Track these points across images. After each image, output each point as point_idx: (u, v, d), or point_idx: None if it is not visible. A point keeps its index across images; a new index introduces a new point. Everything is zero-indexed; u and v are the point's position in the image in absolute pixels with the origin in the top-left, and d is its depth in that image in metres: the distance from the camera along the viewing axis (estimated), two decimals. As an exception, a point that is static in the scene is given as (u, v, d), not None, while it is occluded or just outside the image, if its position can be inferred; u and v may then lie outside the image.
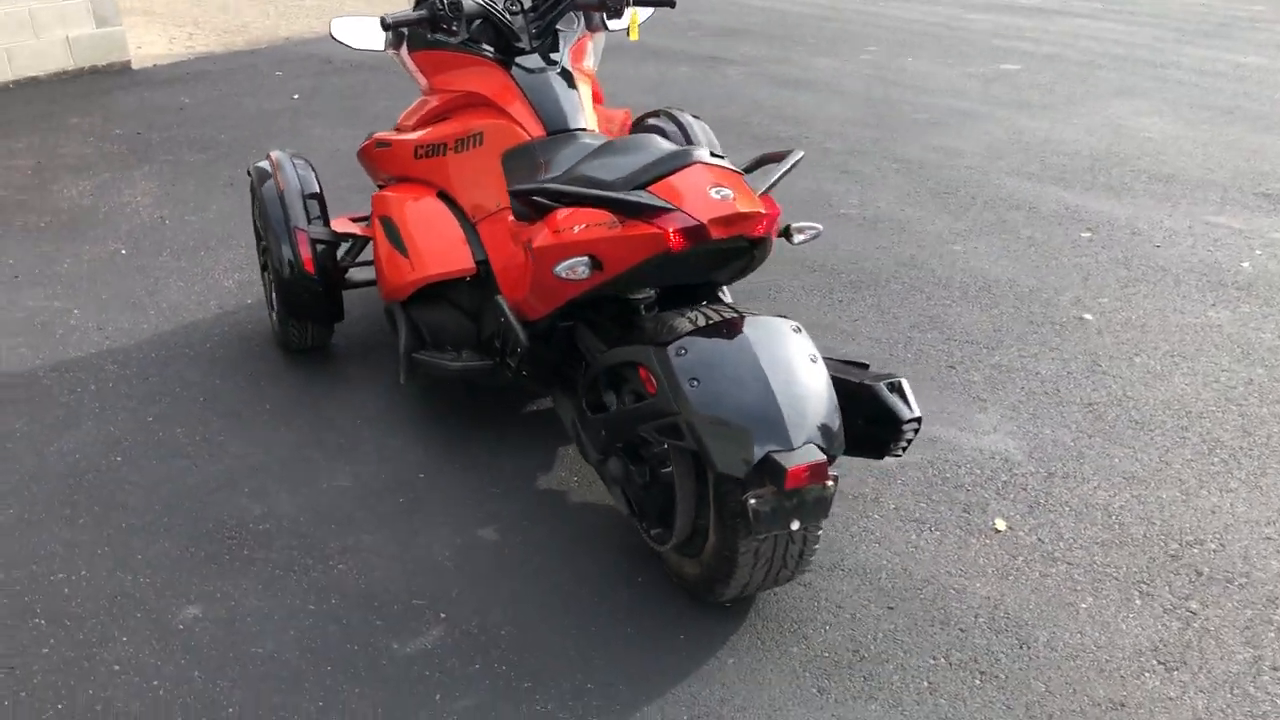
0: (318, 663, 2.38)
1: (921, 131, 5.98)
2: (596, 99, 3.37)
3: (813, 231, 2.68)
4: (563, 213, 2.54)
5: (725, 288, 3.24)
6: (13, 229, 4.72)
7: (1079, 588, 2.58)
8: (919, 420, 2.45)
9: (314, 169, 3.52)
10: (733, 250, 2.44)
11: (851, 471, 3.00)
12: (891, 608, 2.52)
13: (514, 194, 2.54)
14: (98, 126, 6.15)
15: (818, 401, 2.23)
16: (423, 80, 3.37)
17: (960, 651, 2.39)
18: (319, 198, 3.46)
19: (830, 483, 2.20)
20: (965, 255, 4.40)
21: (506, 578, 2.63)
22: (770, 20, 8.96)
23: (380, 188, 3.57)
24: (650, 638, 2.44)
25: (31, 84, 7.02)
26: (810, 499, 2.21)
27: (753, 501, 2.17)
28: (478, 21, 3.14)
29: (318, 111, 6.43)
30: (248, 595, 2.58)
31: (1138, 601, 2.53)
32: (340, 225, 3.59)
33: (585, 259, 2.43)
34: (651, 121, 3.99)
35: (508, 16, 3.13)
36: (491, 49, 3.16)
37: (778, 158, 2.80)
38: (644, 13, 3.59)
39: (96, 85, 7.04)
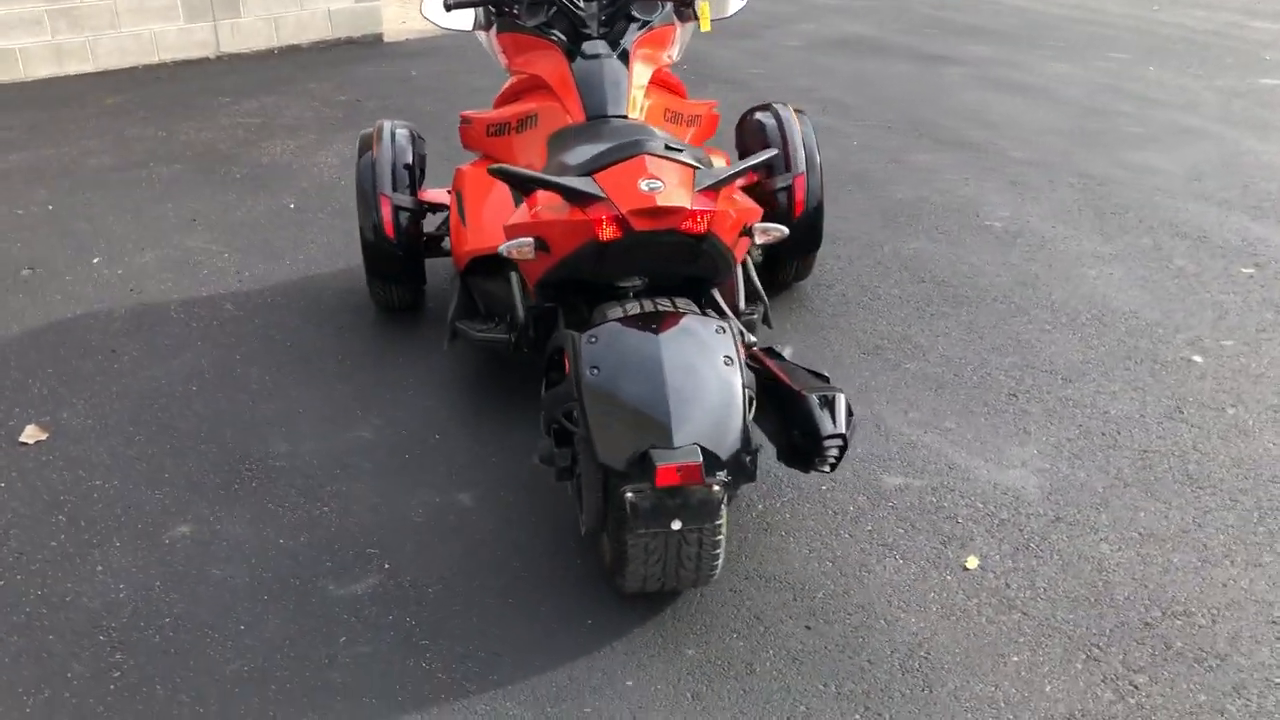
0: (257, 591, 2.58)
1: (1123, 146, 5.56)
2: (668, 88, 3.38)
3: (777, 234, 2.61)
4: (541, 195, 2.61)
5: (752, 283, 3.21)
6: (214, 179, 5.26)
7: (1020, 640, 2.40)
8: (842, 438, 2.37)
9: (419, 139, 3.73)
10: (675, 244, 2.42)
11: (839, 488, 2.91)
12: (810, 627, 2.45)
13: (493, 174, 2.62)
14: (327, 93, 6.70)
15: (715, 404, 2.21)
16: (503, 61, 3.51)
17: (855, 683, 2.30)
18: (412, 168, 3.67)
19: (717, 487, 2.17)
20: (1095, 280, 4.09)
21: (460, 541, 2.74)
22: (1022, 22, 8.52)
23: None
24: (559, 618, 2.48)
25: (293, 51, 7.70)
26: (694, 501, 2.19)
27: (630, 495, 2.18)
28: (551, 7, 3.24)
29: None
30: (235, 523, 2.82)
31: (1079, 665, 2.33)
32: (432, 196, 3.79)
33: (531, 240, 2.49)
34: (756, 116, 3.96)
35: (576, 3, 3.17)
36: (560, 34, 3.23)
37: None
38: (734, 4, 3.57)
39: (345, 55, 7.65)
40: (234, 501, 2.91)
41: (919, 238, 4.47)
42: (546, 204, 2.53)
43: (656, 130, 2.70)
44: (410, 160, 3.69)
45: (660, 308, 2.42)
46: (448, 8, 3.23)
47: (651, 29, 3.31)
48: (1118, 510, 2.82)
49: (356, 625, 2.47)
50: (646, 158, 2.45)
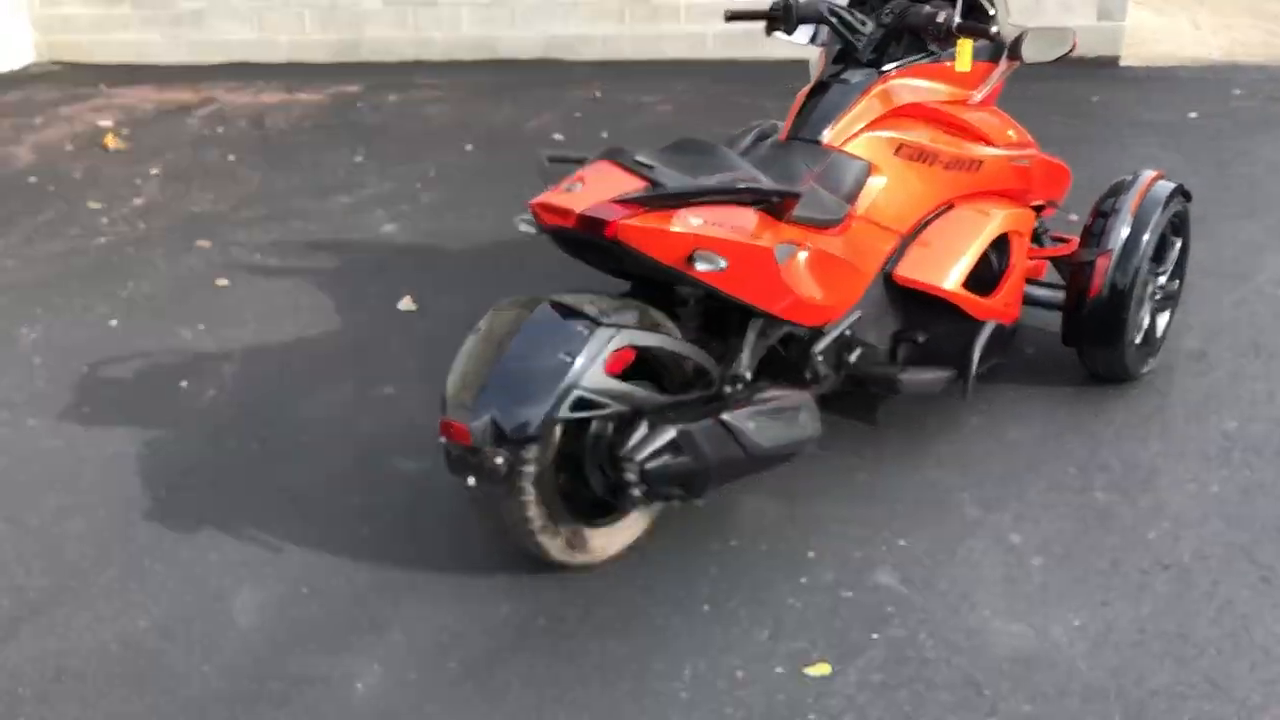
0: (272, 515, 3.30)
1: None
2: (950, 126, 3.20)
3: (711, 266, 2.54)
4: None
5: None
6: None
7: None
8: (636, 461, 2.37)
9: None
10: (597, 244, 2.54)
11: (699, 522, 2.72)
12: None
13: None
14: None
15: (529, 388, 2.39)
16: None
17: None
18: None
19: (499, 459, 2.39)
20: None
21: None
22: None
23: None
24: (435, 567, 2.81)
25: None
26: (486, 465, 2.42)
27: (443, 441, 2.48)
28: (822, 26, 3.31)
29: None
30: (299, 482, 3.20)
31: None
32: None
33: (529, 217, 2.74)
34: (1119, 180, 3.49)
35: (845, 23, 3.18)
36: (839, 56, 3.26)
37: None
38: (1056, 50, 3.24)
39: (1067, 74, 7.48)
40: (302, 467, 3.61)
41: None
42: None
43: (734, 160, 2.73)
44: None
45: (558, 300, 2.58)
46: (727, 19, 3.45)
47: (917, 63, 3.18)
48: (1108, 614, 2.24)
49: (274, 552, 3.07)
50: (605, 164, 2.60)
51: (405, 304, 4.18)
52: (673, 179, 2.55)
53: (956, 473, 3.08)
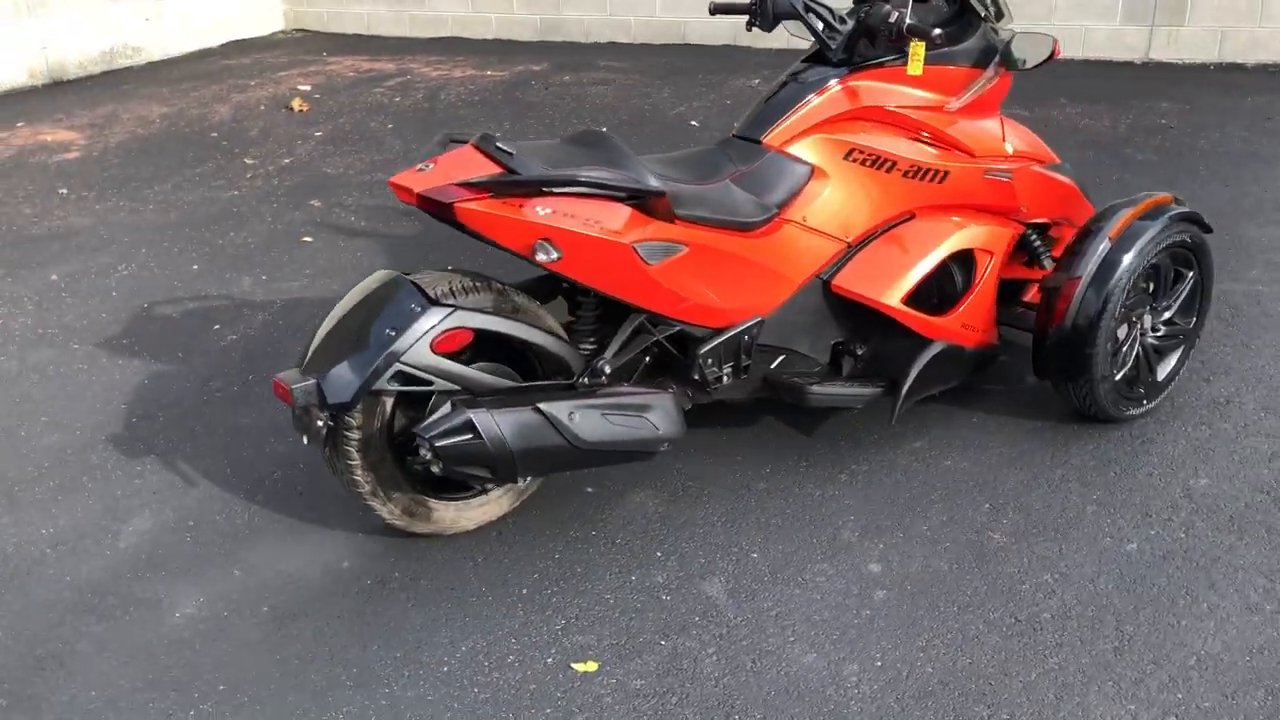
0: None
1: None
2: (911, 129, 3.06)
3: (546, 256, 2.54)
4: None
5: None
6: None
7: None
8: (427, 439, 2.45)
9: None
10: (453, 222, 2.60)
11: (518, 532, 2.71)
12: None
13: None
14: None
15: (353, 359, 2.51)
16: None
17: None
18: None
19: (320, 422, 2.54)
20: None
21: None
22: None
23: None
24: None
25: (1231, 70, 7.07)
26: (312, 426, 2.56)
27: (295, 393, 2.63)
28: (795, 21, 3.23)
29: None
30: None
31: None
32: None
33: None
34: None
35: (819, 22, 3.08)
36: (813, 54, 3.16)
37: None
38: (1036, 57, 3.06)
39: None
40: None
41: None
42: None
43: (621, 156, 2.71)
44: None
45: (410, 275, 2.68)
46: (711, 12, 3.41)
47: (888, 65, 3.05)
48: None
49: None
50: (469, 147, 2.66)
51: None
52: (528, 168, 2.57)
53: (858, 493, 2.94)
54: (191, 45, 8.87)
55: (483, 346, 2.67)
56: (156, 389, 3.59)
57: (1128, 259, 2.97)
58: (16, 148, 6.34)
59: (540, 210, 2.54)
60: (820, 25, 3.03)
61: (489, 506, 2.83)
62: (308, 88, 7.50)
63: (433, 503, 2.74)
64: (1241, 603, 2.49)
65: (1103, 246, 2.99)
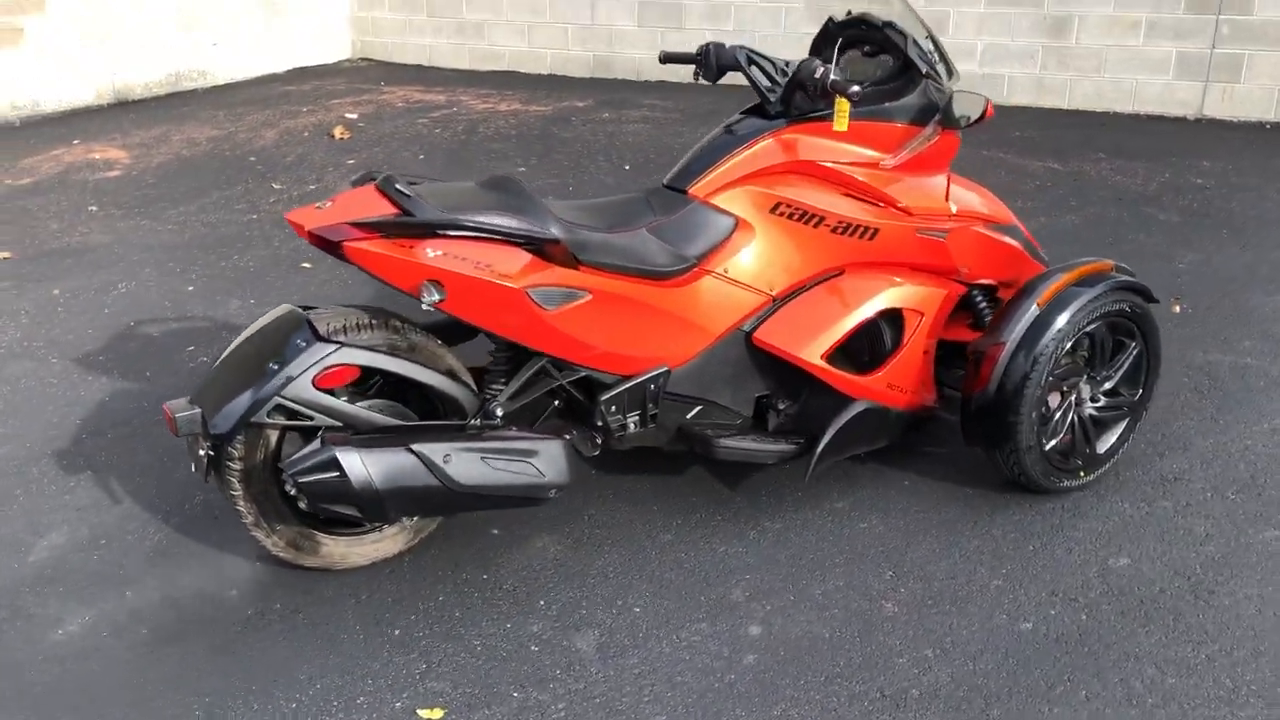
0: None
1: None
2: (849, 187, 3.00)
3: (429, 297, 2.55)
4: None
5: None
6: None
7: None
8: (290, 474, 2.48)
9: None
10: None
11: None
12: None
13: None
14: None
15: (239, 391, 2.56)
16: None
17: None
18: None
19: (201, 451, 2.60)
20: None
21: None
22: None
23: None
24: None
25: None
26: (196, 454, 2.62)
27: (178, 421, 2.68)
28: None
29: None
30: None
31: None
32: None
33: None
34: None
35: (760, 74, 3.06)
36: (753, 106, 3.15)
37: None
38: (974, 111, 2.99)
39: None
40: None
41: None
42: None
43: (526, 202, 2.71)
44: None
45: (307, 309, 2.72)
46: (661, 61, 3.41)
47: (817, 119, 3.00)
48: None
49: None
50: (368, 187, 2.69)
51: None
52: (423, 210, 2.58)
53: (763, 552, 2.87)
54: (257, 71, 9.14)
55: (388, 385, 2.70)
56: (114, 406, 3.68)
57: (1056, 325, 2.87)
58: (66, 164, 6.59)
59: (430, 252, 2.55)
60: (761, 77, 3.01)
61: (383, 544, 2.83)
62: (355, 116, 7.67)
63: (321, 537, 2.75)
64: (1124, 693, 2.37)
65: (1031, 311, 2.90)
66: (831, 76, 2.79)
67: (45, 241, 5.29)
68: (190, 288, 4.71)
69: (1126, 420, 3.14)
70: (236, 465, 2.59)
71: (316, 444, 2.52)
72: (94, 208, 5.81)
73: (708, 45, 3.11)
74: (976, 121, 2.97)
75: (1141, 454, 3.26)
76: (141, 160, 6.68)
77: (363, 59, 9.88)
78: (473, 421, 2.71)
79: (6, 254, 5.09)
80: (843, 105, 2.87)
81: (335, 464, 2.47)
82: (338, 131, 7.20)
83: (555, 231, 2.64)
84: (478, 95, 8.32)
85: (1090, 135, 6.82)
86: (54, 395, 3.77)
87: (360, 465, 2.48)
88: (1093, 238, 5.06)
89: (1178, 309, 4.29)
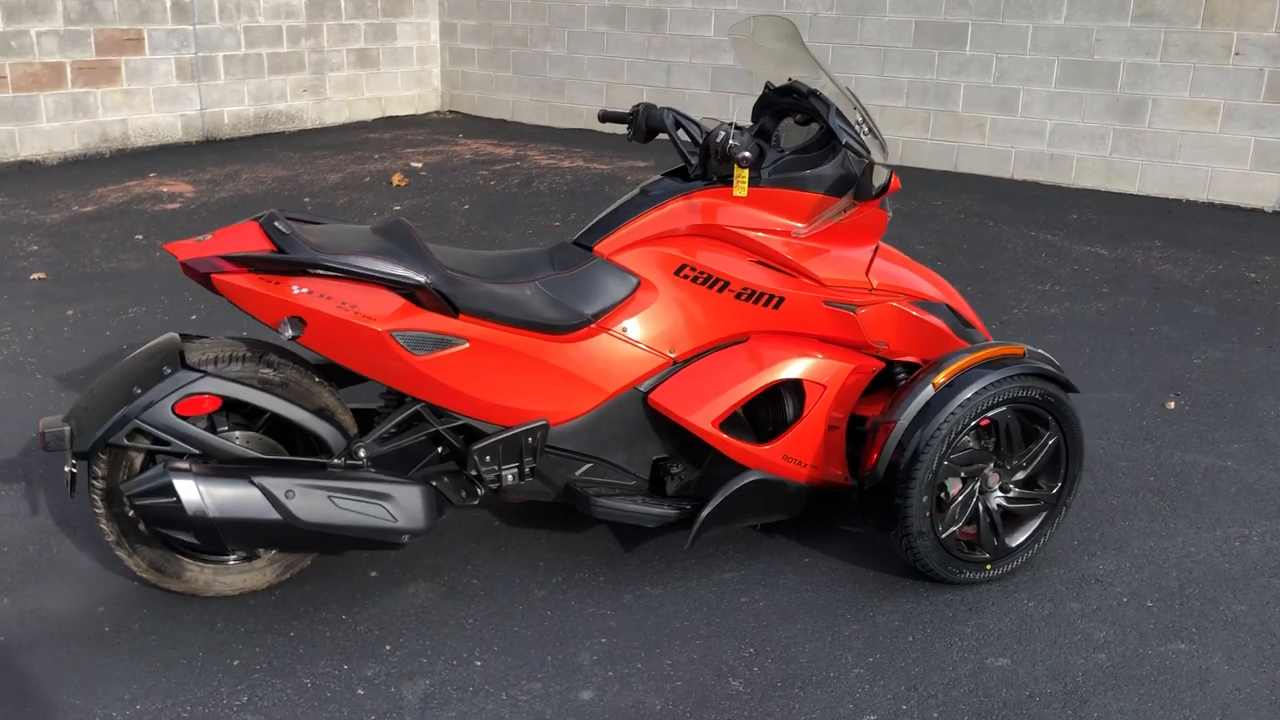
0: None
1: None
2: (756, 253, 2.95)
3: (284, 331, 2.58)
4: None
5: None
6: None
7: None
8: (127, 496, 2.52)
9: None
10: None
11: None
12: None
13: None
14: None
15: (101, 413, 2.64)
16: None
17: None
18: None
19: (68, 467, 2.68)
20: None
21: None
22: None
23: None
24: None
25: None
26: (65, 469, 2.71)
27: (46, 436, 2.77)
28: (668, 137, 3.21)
29: None
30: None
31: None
32: None
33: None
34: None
35: (685, 136, 3.06)
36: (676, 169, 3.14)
37: None
38: (880, 177, 2.91)
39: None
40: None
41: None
42: None
43: (411, 236, 2.75)
44: None
45: (186, 336, 2.79)
46: (600, 119, 3.41)
47: (726, 184, 2.97)
48: None
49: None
50: (251, 222, 2.75)
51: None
52: (296, 249, 2.62)
53: (631, 617, 2.79)
54: (346, 118, 9.48)
55: (272, 421, 2.74)
56: (72, 423, 3.80)
57: (950, 407, 2.73)
58: (132, 195, 6.93)
59: (296, 289, 2.58)
60: (686, 140, 2.99)
61: (251, 575, 2.84)
62: (419, 165, 7.87)
63: (186, 562, 2.77)
64: (942, 803, 2.20)
65: (925, 392, 2.77)
66: (730, 142, 2.75)
67: (82, 266, 5.54)
68: (194, 317, 4.86)
69: (1044, 514, 2.95)
70: (99, 484, 2.64)
71: (158, 468, 2.55)
72: (139, 236, 6.07)
73: (639, 106, 3.10)
74: (880, 194, 2.87)
75: (1070, 551, 3.07)
76: (204, 195, 6.97)
77: (451, 111, 10.16)
78: (335, 461, 2.71)
79: (41, 275, 5.34)
80: (741, 172, 2.82)
81: (170, 489, 2.49)
82: (396, 179, 7.39)
83: (426, 278, 2.64)
84: (546, 151, 8.46)
85: (1153, 222, 6.56)
86: (20, 408, 3.91)
87: (196, 493, 2.50)
88: (1109, 327, 4.83)
89: (1171, 406, 4.05)
